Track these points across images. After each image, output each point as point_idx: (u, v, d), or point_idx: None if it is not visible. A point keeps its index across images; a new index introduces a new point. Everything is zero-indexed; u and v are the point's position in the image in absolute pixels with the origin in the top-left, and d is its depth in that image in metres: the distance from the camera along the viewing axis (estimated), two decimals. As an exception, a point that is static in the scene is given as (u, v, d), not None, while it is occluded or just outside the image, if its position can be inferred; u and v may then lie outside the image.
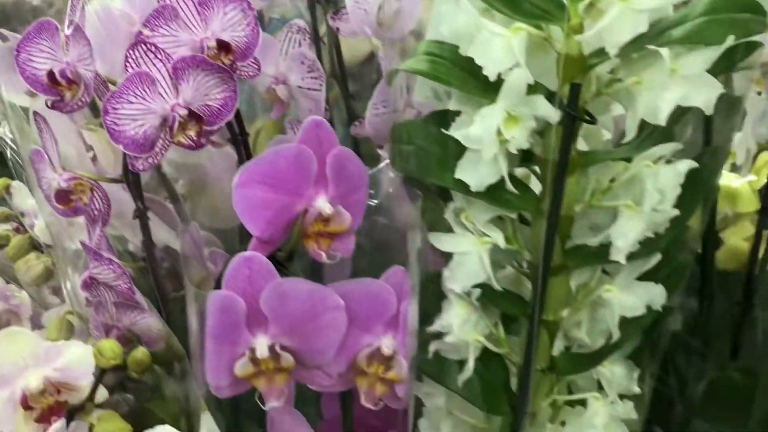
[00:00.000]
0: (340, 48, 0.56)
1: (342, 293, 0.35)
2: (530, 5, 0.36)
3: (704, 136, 0.41)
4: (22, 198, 0.67)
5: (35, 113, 0.43)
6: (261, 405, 0.33)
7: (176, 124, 0.41)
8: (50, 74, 0.42)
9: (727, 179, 0.59)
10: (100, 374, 0.36)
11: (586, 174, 0.39)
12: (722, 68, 0.37)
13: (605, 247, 0.38)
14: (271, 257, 0.38)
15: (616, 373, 0.42)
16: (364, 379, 0.36)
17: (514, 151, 0.36)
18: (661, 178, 0.36)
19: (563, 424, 0.43)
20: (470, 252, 0.38)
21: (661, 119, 0.34)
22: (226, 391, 0.35)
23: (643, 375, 0.42)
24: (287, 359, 0.34)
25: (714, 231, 0.56)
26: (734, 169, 0.59)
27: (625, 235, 0.36)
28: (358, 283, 0.36)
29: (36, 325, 0.56)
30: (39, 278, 0.59)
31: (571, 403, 0.43)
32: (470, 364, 0.40)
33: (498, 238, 0.38)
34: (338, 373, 0.35)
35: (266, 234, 0.35)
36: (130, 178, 0.43)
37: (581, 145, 0.40)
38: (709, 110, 0.35)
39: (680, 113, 0.36)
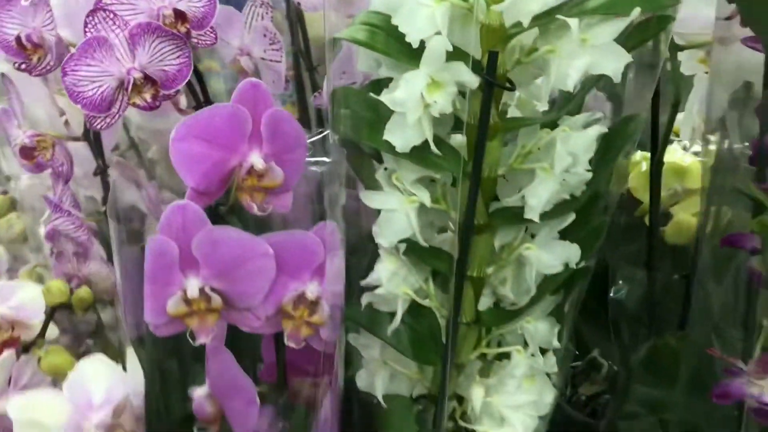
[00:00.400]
0: (304, 22, 0.59)
1: (272, 243, 0.38)
2: (455, -22, 0.38)
3: (615, 106, 0.44)
4: (9, 163, 0.71)
5: (3, 75, 0.46)
6: (192, 341, 0.37)
7: (132, 87, 0.44)
8: (18, 39, 0.46)
9: (676, 156, 0.61)
10: (51, 312, 0.39)
11: (514, 139, 0.42)
12: (637, 41, 0.40)
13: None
14: (215, 211, 0.41)
15: (539, 328, 0.45)
16: (289, 322, 0.39)
17: (437, 115, 0.39)
18: (573, 143, 0.39)
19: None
20: (397, 210, 0.41)
21: (570, 86, 0.37)
22: (163, 329, 0.38)
23: (561, 331, 0.44)
24: (216, 300, 0.37)
25: (658, 205, 0.58)
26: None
27: (538, 195, 0.39)
28: (288, 234, 0.39)
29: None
30: (19, 236, 0.62)
31: (500, 358, 0.46)
32: (399, 316, 0.43)
33: (424, 197, 0.41)
34: (266, 316, 0.38)
35: (202, 186, 0.38)
36: (90, 137, 0.46)
37: (515, 112, 0.43)
38: (617, 78, 0.37)
39: (593, 81, 0.39)
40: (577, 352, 0.58)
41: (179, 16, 0.46)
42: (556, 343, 0.44)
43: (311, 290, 0.38)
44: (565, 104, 0.39)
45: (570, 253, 0.41)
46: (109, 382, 0.37)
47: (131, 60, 0.44)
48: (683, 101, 0.56)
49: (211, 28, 0.48)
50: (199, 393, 0.40)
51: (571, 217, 0.41)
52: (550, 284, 0.42)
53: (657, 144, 0.57)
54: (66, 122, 0.53)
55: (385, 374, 0.47)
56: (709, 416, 0.49)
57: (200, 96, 0.51)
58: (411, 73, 0.38)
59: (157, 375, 0.40)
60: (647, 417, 0.59)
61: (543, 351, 0.45)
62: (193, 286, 0.36)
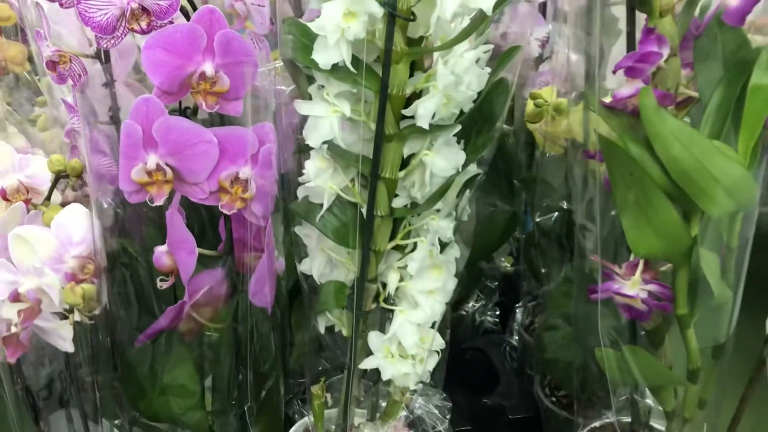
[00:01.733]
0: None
1: (217, 133, 0.49)
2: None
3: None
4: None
5: (36, 4, 0.58)
6: (150, 204, 0.48)
7: (130, 15, 0.55)
8: (51, -24, 0.58)
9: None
10: (55, 180, 0.51)
11: (421, 66, 0.51)
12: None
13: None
14: (183, 112, 0.52)
15: (441, 225, 0.54)
16: (226, 195, 0.50)
17: (351, 39, 0.48)
18: (455, 65, 0.48)
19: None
20: (323, 117, 0.51)
21: (448, 15, 0.46)
22: (133, 196, 0.49)
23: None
24: (169, 173, 0.48)
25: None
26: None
27: (426, 106, 0.48)
28: (231, 129, 0.50)
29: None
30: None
31: (413, 250, 0.56)
32: (325, 206, 0.53)
33: (345, 108, 0.51)
34: (210, 191, 0.49)
35: (164, 86, 0.49)
36: (101, 55, 0.58)
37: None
38: (488, 11, 0.46)
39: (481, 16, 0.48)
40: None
41: (173, -39, 0.57)
42: (450, 236, 0.54)
43: (244, 172, 0.49)
44: (459, 36, 0.48)
45: (458, 160, 0.51)
46: (85, 226, 0.49)
47: (132, -5, 0.55)
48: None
49: (202, -27, 0.59)
50: (159, 249, 0.51)
51: (457, 128, 0.50)
52: (446, 187, 0.52)
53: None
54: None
55: (321, 260, 0.57)
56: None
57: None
58: (329, 4, 0.48)
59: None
60: (564, 328, 0.67)
61: (445, 246, 0.55)
62: (152, 160, 0.47)
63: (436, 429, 0.63)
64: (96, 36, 0.56)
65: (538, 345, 0.73)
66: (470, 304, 0.92)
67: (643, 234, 0.47)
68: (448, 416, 0.64)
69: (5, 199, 0.51)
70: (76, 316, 0.46)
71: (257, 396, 0.59)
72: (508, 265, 0.96)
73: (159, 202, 0.48)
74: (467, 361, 0.91)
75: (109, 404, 0.53)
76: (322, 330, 0.60)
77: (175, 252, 0.50)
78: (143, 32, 0.56)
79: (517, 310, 0.87)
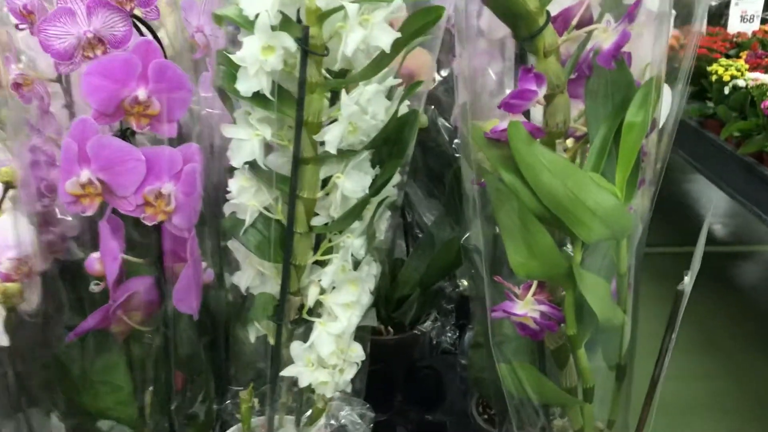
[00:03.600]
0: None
1: (145, 152, 0.54)
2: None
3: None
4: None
5: (7, 32, 0.64)
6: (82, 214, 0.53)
7: (87, 44, 0.61)
8: (22, 7, 0.64)
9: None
10: (5, 189, 0.57)
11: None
12: (415, 26, 0.53)
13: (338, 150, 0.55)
14: (123, 135, 0.58)
15: (354, 243, 0.58)
16: (150, 208, 0.55)
17: (269, 70, 0.53)
18: (359, 96, 0.52)
19: (319, 277, 0.60)
20: (246, 139, 0.56)
21: (349, 52, 0.50)
22: (71, 207, 0.54)
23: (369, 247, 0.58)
24: (98, 187, 0.53)
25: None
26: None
27: (332, 133, 0.53)
28: (159, 148, 0.55)
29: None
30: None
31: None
32: (248, 222, 0.58)
33: (266, 132, 0.56)
34: (137, 204, 0.54)
35: (101, 108, 0.54)
36: (61, 79, 0.64)
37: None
38: (387, 49, 0.51)
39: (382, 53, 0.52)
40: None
41: (128, -4, 0.63)
42: (362, 253, 0.58)
43: (166, 188, 0.54)
44: (363, 71, 0.53)
45: (365, 183, 0.55)
46: (23, 232, 0.54)
47: (87, 25, 0.61)
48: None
49: (156, 7, 0.65)
50: (93, 256, 0.56)
51: (364, 154, 0.54)
52: (358, 208, 0.56)
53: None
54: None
55: (251, 273, 0.62)
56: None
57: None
58: (249, 38, 0.53)
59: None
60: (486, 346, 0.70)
61: (360, 263, 0.59)
62: (84, 174, 0.53)
63: (358, 437, 0.67)
64: (55, 62, 0.62)
65: (468, 363, 0.76)
66: (428, 324, 0.95)
67: (522, 257, 0.50)
68: (370, 425, 0.68)
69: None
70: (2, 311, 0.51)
71: (186, 398, 0.63)
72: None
73: (89, 213, 0.53)
74: (420, 379, 0.94)
75: (43, 397, 0.58)
76: (252, 339, 0.64)
77: (103, 258, 0.55)
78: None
79: (469, 331, 0.91)
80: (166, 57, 0.56)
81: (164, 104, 0.55)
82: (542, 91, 0.49)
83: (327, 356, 0.60)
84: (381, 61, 0.53)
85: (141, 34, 0.66)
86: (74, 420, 0.59)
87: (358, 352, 0.63)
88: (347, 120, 0.52)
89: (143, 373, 0.60)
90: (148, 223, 0.54)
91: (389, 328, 0.95)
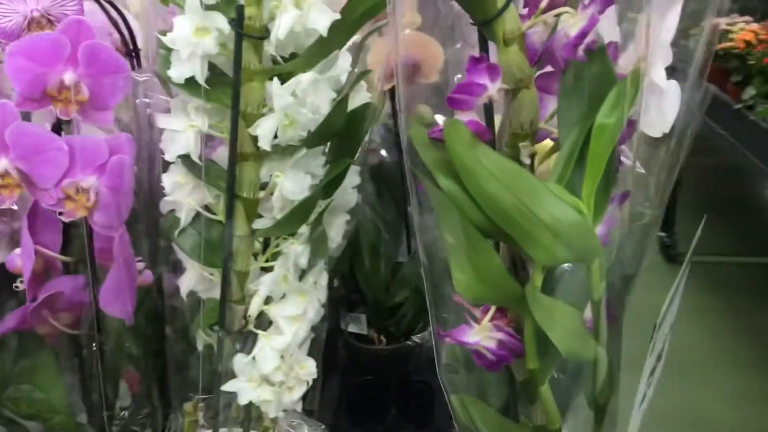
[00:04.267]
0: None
1: (69, 141, 0.49)
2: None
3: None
4: None
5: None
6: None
7: (35, 23, 0.57)
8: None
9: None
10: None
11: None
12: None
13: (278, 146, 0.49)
14: (56, 127, 0.53)
15: (297, 250, 0.52)
16: (70, 203, 0.50)
17: (201, 53, 0.48)
18: (295, 86, 0.46)
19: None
20: (180, 131, 0.51)
21: (281, 34, 0.45)
22: (-8, 197, 0.51)
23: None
24: (17, 177, 0.48)
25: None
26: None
27: (264, 127, 0.47)
28: (83, 138, 0.50)
29: None
30: None
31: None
32: (182, 222, 0.53)
33: (202, 123, 0.50)
34: (58, 197, 0.50)
35: (26, 92, 0.49)
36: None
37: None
38: (324, 32, 0.45)
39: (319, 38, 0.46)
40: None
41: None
42: (303, 263, 0.52)
43: (87, 181, 0.49)
44: (302, 58, 0.47)
45: (306, 184, 0.49)
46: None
47: (36, 3, 0.57)
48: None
49: (110, -14, 0.60)
50: (14, 252, 0.52)
51: (303, 152, 0.48)
52: (301, 211, 0.50)
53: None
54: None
55: (193, 276, 0.57)
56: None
57: (130, 45, 0.64)
58: (181, 18, 0.48)
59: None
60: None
61: (304, 274, 0.53)
62: (2, 164, 0.49)
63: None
64: (1, 42, 0.58)
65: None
66: (425, 334, 0.89)
67: (467, 277, 0.43)
68: (325, 448, 0.62)
69: None
70: None
71: (131, 408, 0.59)
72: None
73: (8, 205, 0.49)
74: (413, 392, 0.88)
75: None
76: (200, 347, 0.59)
77: (21, 255, 0.51)
78: (43, 39, 0.57)
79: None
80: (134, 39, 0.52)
81: (96, 90, 0.51)
82: (495, 86, 0.42)
83: (270, 372, 0.54)
84: (320, 47, 0.47)
85: (108, 16, 0.62)
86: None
87: (309, 370, 0.57)
88: (282, 112, 0.46)
89: (76, 378, 0.56)
90: (66, 220, 0.49)
91: (382, 337, 0.89)
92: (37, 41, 0.50)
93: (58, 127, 0.53)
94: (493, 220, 0.41)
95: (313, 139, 0.48)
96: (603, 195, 0.43)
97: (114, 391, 0.59)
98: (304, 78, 0.46)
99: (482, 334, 0.47)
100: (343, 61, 0.49)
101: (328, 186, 0.50)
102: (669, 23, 0.52)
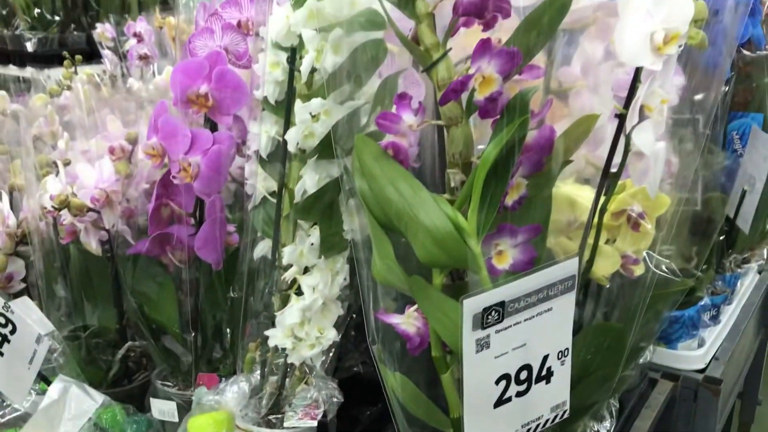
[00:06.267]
0: None
1: (191, 130, 0.73)
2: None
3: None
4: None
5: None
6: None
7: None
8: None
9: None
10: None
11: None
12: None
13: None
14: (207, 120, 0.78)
15: (309, 231, 0.68)
16: (183, 172, 0.73)
17: (272, 80, 0.67)
18: (310, 107, 0.63)
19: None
20: (256, 133, 0.71)
21: (303, 69, 0.62)
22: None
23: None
24: (161, 150, 0.73)
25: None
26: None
27: (288, 135, 0.64)
28: (199, 130, 0.73)
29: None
30: None
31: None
32: (253, 202, 0.72)
33: (272, 130, 0.70)
34: (178, 168, 0.73)
35: (177, 95, 0.74)
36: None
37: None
38: (330, 70, 0.61)
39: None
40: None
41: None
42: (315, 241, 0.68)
43: (195, 159, 0.72)
44: (321, 88, 0.64)
45: (314, 181, 0.65)
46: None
47: (221, 41, 0.83)
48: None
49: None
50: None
51: (314, 157, 0.65)
52: (313, 199, 0.66)
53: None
54: None
55: (262, 245, 0.76)
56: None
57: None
58: (262, 54, 0.68)
59: None
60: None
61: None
62: (153, 141, 0.73)
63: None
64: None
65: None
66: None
67: (378, 263, 0.55)
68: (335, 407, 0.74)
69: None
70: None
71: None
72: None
73: (156, 167, 0.74)
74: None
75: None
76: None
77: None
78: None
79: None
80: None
81: (220, 100, 0.74)
82: (415, 119, 0.54)
83: (293, 326, 0.71)
84: (331, 81, 0.62)
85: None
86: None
87: (327, 335, 0.72)
88: (302, 125, 0.64)
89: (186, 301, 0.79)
90: (176, 182, 0.73)
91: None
92: (190, 63, 0.74)
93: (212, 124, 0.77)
94: (390, 218, 0.53)
95: (321, 149, 0.65)
96: (487, 216, 0.52)
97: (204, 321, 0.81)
98: (315, 102, 0.63)
99: (405, 320, 0.58)
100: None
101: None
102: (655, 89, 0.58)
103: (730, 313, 1.14)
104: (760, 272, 1.29)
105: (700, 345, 1.03)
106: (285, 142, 0.67)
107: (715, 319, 1.09)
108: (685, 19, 0.56)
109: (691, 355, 1.01)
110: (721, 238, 1.09)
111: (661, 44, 0.55)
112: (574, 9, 0.58)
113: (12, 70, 2.62)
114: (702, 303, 1.03)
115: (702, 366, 1.01)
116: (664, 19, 0.55)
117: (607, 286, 0.68)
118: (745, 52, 1.13)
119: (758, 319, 1.31)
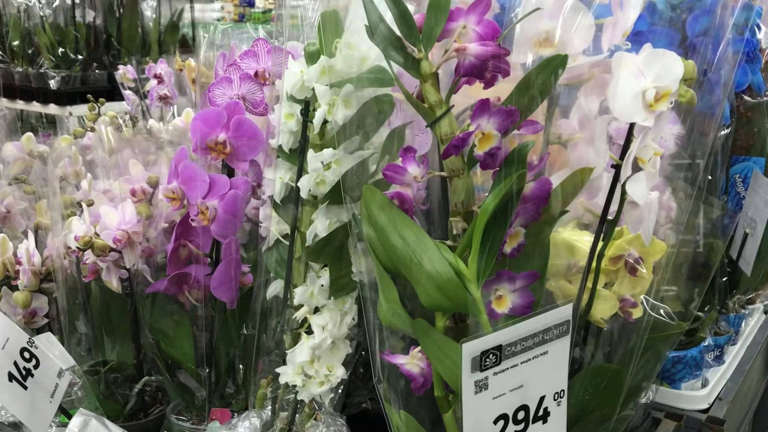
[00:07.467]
0: None
1: (210, 176, 0.77)
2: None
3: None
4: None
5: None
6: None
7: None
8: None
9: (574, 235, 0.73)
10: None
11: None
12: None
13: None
14: (225, 166, 0.82)
15: (319, 273, 0.71)
16: (201, 215, 0.76)
17: (287, 130, 0.71)
18: (321, 157, 0.67)
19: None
20: (271, 179, 0.74)
21: (315, 122, 0.66)
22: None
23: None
24: (181, 195, 0.77)
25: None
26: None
27: (301, 182, 0.68)
28: (217, 175, 0.77)
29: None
30: None
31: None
32: (267, 244, 0.76)
33: (286, 176, 0.74)
34: (197, 211, 0.77)
35: (197, 142, 0.78)
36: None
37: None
38: (339, 122, 0.65)
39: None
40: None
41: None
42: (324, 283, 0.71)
43: (212, 203, 0.76)
44: (331, 138, 0.68)
45: (324, 225, 0.69)
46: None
47: (239, 90, 0.87)
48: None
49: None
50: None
51: (325, 203, 0.68)
52: (324, 242, 0.70)
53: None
54: None
55: (275, 285, 0.79)
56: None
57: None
58: (278, 105, 0.72)
59: None
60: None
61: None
62: (174, 185, 0.77)
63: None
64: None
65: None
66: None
67: (384, 306, 0.58)
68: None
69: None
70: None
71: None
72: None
73: (175, 210, 0.78)
74: None
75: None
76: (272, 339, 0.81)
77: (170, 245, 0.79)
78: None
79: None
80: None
81: (237, 147, 0.78)
82: (420, 171, 0.57)
83: (303, 363, 0.74)
84: (341, 133, 0.66)
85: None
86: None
87: (336, 373, 0.75)
88: (314, 173, 0.67)
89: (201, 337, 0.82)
90: (194, 224, 0.76)
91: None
92: (209, 113, 0.79)
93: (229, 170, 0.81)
94: (395, 264, 0.57)
95: (331, 195, 0.68)
96: (487, 264, 0.55)
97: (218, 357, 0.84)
98: (326, 152, 0.66)
99: (409, 360, 0.61)
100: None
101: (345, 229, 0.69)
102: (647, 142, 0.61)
103: (734, 354, 1.16)
104: (766, 312, 1.31)
105: (704, 385, 1.05)
106: (298, 189, 0.71)
107: (718, 359, 1.11)
108: (675, 78, 0.59)
109: (695, 395, 1.03)
110: (724, 279, 1.11)
111: (652, 101, 0.59)
112: (571, 66, 0.63)
113: (35, 107, 2.71)
114: (705, 343, 1.05)
115: (705, 406, 1.03)
116: (654, 77, 0.59)
117: (606, 328, 0.71)
118: (746, 98, 1.16)
119: (764, 359, 1.32)
